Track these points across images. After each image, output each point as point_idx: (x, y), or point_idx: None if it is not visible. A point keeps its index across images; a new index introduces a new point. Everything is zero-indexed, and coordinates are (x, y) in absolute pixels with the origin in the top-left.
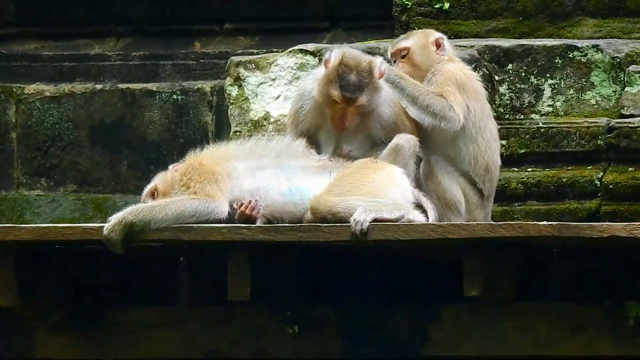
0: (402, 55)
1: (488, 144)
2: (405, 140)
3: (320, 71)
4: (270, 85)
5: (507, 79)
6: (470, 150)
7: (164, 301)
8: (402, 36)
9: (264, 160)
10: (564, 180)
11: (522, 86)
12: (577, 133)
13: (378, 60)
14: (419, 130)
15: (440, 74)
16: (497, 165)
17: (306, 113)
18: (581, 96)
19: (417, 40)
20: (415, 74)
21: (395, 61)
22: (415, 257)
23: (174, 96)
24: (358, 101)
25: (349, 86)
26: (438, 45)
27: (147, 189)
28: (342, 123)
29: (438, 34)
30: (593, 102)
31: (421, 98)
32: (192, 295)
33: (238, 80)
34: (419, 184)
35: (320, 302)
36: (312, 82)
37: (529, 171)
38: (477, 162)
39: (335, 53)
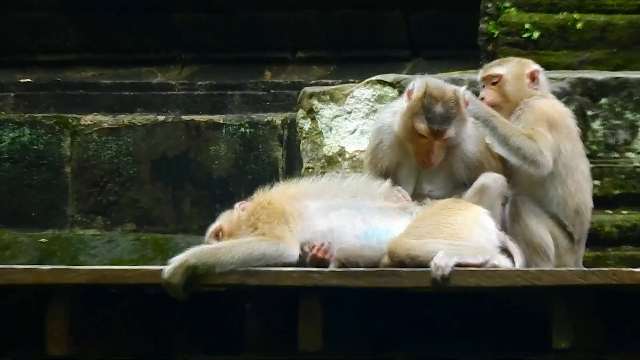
0: (493, 82)
1: (578, 185)
2: (492, 180)
3: (400, 104)
4: (346, 118)
5: (601, 115)
6: (559, 191)
7: (231, 348)
8: (496, 61)
9: (339, 200)
10: None
11: (617, 122)
12: None
13: (462, 89)
14: (504, 169)
15: (531, 111)
16: (588, 207)
17: (386, 149)
18: None
19: (512, 69)
20: (503, 104)
21: (484, 86)
22: (501, 304)
23: (242, 129)
24: (446, 134)
25: (436, 118)
26: (533, 78)
27: (212, 229)
28: (428, 158)
29: (535, 66)
30: None
31: (512, 139)
32: (260, 342)
33: (311, 113)
34: (505, 226)
35: (397, 349)
36: (391, 116)
37: (624, 214)
38: (567, 204)
39: (418, 83)
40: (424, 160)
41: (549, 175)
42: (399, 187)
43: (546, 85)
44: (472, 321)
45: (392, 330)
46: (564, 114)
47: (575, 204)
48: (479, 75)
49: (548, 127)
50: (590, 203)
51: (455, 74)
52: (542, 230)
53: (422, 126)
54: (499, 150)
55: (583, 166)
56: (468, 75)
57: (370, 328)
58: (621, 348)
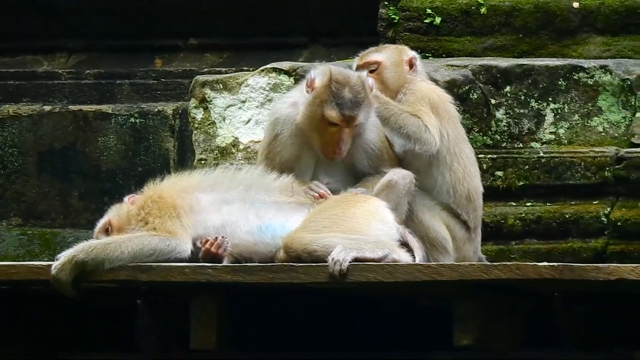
0: (371, 69)
1: (466, 170)
2: (400, 177)
3: (298, 94)
4: (240, 107)
5: (505, 103)
6: (447, 178)
7: (123, 347)
8: (372, 48)
9: (232, 193)
10: (567, 216)
11: (522, 111)
12: (582, 164)
13: (364, 73)
14: (398, 158)
15: (412, 93)
16: (479, 192)
17: (285, 141)
18: (587, 122)
19: (391, 55)
20: (382, 92)
21: None
22: (404, 300)
23: (132, 119)
24: (357, 120)
25: (346, 103)
26: (411, 65)
27: (100, 223)
28: (338, 148)
29: (412, 53)
30: (600, 129)
31: (394, 118)
32: (153, 341)
33: (204, 102)
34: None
35: (298, 351)
36: (290, 106)
37: (528, 206)
38: (457, 190)
39: (321, 71)
40: (334, 150)
41: (434, 161)
42: (317, 182)
43: (424, 72)
44: (379, 321)
45: (294, 331)
46: (445, 98)
47: (466, 189)
48: (354, 62)
49: (430, 108)
50: (480, 188)
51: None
52: (437, 224)
53: (333, 113)
54: (385, 130)
55: (468, 151)
56: None
57: (270, 329)
58: (530, 348)
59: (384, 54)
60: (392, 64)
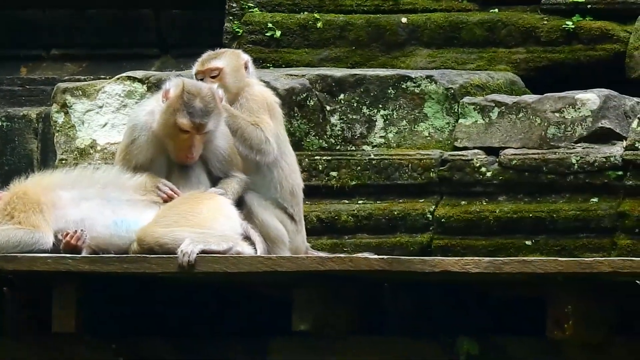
0: (213, 75)
1: (292, 168)
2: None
3: (155, 103)
4: (97, 112)
5: (339, 109)
6: (275, 175)
7: None
8: (210, 53)
9: (90, 191)
10: (396, 213)
11: (354, 117)
12: (410, 165)
13: (215, 86)
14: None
15: (254, 99)
16: (300, 187)
17: (141, 146)
18: (414, 127)
19: (230, 61)
20: (226, 96)
21: (201, 79)
22: (249, 289)
23: (0, 123)
24: (207, 127)
25: (196, 112)
26: (246, 67)
27: None
28: (190, 153)
29: (247, 56)
30: (426, 133)
31: (240, 131)
32: (19, 326)
33: (64, 107)
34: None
35: (152, 334)
36: (147, 114)
37: (359, 204)
38: (283, 186)
39: (174, 82)
40: (186, 155)
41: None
42: (164, 181)
43: (254, 74)
44: (227, 309)
45: (150, 316)
46: (276, 101)
47: (290, 185)
48: (194, 68)
49: (269, 114)
50: (301, 184)
51: None
52: (276, 222)
53: (184, 121)
54: (233, 139)
55: (290, 149)
56: None
57: (128, 314)
58: (363, 333)
59: (223, 60)
60: (232, 70)
